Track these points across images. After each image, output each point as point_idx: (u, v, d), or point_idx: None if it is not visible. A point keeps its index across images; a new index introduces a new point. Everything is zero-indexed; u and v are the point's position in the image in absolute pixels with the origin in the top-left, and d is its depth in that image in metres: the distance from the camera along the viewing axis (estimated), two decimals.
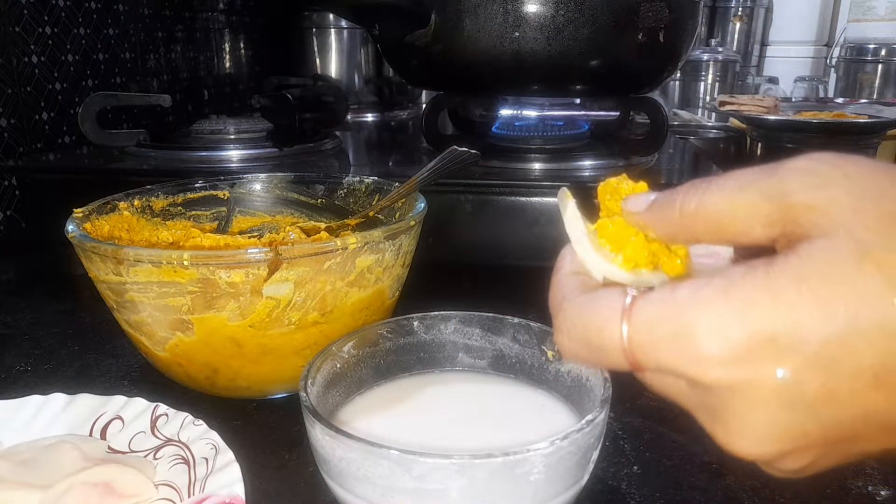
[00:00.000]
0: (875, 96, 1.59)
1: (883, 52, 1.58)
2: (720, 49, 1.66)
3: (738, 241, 0.21)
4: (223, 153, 0.83)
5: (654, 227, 0.23)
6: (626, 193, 0.24)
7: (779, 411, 0.18)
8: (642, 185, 0.25)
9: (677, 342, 0.19)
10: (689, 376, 0.19)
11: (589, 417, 0.29)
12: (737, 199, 0.20)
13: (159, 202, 0.53)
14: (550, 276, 0.25)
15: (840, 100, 1.37)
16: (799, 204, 0.19)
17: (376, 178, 0.56)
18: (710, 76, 1.62)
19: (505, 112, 0.82)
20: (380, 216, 0.53)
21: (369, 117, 1.31)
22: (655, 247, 0.23)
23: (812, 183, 0.19)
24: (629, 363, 0.21)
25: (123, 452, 0.36)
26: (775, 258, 0.19)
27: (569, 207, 0.25)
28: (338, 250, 0.39)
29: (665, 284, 0.20)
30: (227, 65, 1.31)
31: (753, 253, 0.21)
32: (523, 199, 0.67)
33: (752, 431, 0.19)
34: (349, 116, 1.16)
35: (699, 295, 0.19)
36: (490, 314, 0.40)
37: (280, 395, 0.44)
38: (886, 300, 0.17)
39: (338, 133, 0.97)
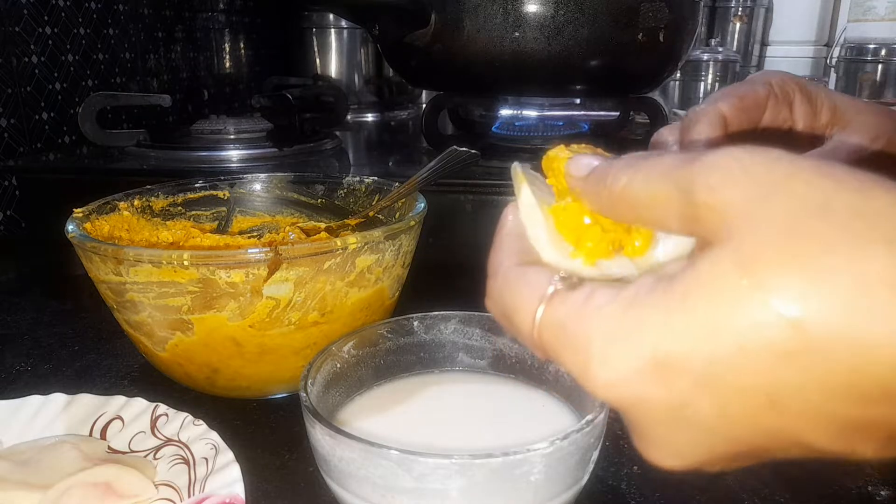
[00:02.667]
0: (875, 96, 1.59)
1: (883, 52, 1.58)
2: (720, 49, 1.66)
3: (661, 229, 0.20)
4: (223, 153, 0.83)
5: (587, 200, 0.22)
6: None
7: (677, 430, 0.18)
8: (584, 146, 0.23)
9: (575, 354, 0.19)
10: (584, 386, 0.19)
11: (589, 417, 0.29)
12: (655, 187, 0.19)
13: (159, 202, 0.53)
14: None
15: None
16: (701, 204, 0.18)
17: (376, 178, 0.56)
18: (710, 76, 1.62)
19: (505, 112, 0.82)
20: (380, 216, 0.53)
21: (369, 117, 1.31)
22: (612, 227, 0.22)
23: (714, 181, 0.17)
24: (537, 350, 0.21)
25: (123, 452, 0.36)
26: (679, 271, 0.18)
27: (523, 192, 0.23)
28: (338, 250, 0.39)
29: (586, 286, 0.20)
30: (227, 65, 1.31)
31: None
32: None
33: (661, 446, 0.19)
34: (349, 116, 1.16)
35: (604, 310, 0.19)
36: (490, 314, 0.39)
37: (280, 395, 0.44)
38: (769, 320, 0.16)
39: (338, 133, 0.97)
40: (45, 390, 0.40)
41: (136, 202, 0.51)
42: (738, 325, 0.16)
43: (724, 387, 0.17)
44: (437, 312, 0.40)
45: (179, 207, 0.54)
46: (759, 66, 1.96)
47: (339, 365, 0.36)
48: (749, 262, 0.16)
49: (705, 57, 1.63)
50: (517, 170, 0.24)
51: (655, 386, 0.18)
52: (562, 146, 0.24)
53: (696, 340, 0.17)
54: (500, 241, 0.24)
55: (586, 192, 0.22)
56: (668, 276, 0.18)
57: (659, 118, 0.76)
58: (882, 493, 0.35)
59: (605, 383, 0.18)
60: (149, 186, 0.53)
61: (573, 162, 0.22)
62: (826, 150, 0.34)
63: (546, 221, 0.23)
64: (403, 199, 0.51)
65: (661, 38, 0.71)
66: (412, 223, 0.44)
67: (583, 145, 0.24)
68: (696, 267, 0.17)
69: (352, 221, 0.53)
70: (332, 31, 1.33)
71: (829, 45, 1.92)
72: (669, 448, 0.19)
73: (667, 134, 0.34)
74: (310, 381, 0.33)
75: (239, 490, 0.32)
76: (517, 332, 0.22)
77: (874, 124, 0.34)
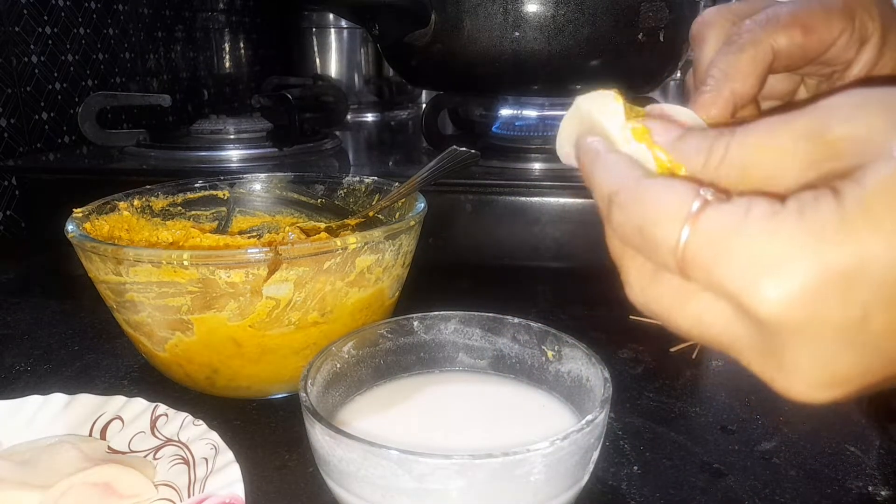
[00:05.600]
0: None
1: None
2: None
3: (764, 188, 0.20)
4: (223, 153, 0.83)
5: (682, 164, 0.21)
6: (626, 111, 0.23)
7: (841, 351, 0.17)
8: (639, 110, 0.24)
9: (738, 269, 0.18)
10: (744, 304, 0.18)
11: (589, 418, 0.29)
12: (776, 142, 0.19)
13: (159, 202, 0.53)
14: (585, 158, 0.23)
15: None
16: (839, 139, 0.18)
17: (376, 178, 0.56)
18: None
19: (505, 112, 0.82)
20: (380, 216, 0.53)
21: (369, 117, 1.31)
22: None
23: (847, 115, 0.18)
24: (677, 268, 0.19)
25: (123, 452, 0.36)
26: (839, 185, 0.17)
27: (616, 110, 0.23)
28: (338, 250, 0.39)
29: (741, 198, 0.19)
30: (227, 65, 1.31)
31: None
32: (523, 199, 0.67)
33: (810, 373, 0.18)
34: (349, 116, 1.16)
35: (775, 219, 0.17)
36: (490, 314, 0.40)
37: (280, 395, 0.44)
38: None
39: (338, 133, 0.97)
40: (44, 390, 0.40)
41: (135, 202, 0.51)
42: None
43: None
44: (437, 312, 0.40)
45: (179, 207, 0.54)
46: None
47: (338, 365, 0.36)
48: None
49: None
50: (604, 95, 0.24)
51: (833, 300, 0.17)
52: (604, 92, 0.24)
53: (880, 249, 0.16)
54: (609, 161, 0.22)
55: (678, 157, 0.21)
56: (832, 190, 0.17)
57: None
58: (882, 493, 0.35)
59: (778, 299, 0.17)
60: (148, 186, 0.53)
61: (658, 130, 0.22)
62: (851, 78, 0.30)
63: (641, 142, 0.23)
64: (403, 199, 0.51)
65: (662, 38, 0.71)
66: (412, 223, 0.44)
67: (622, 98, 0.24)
68: (866, 180, 0.17)
69: (352, 221, 0.53)
70: (332, 30, 1.33)
71: None
72: (825, 374, 0.18)
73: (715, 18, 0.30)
74: (310, 382, 0.33)
75: (239, 490, 0.32)
76: (652, 245, 0.19)
77: None
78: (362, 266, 0.41)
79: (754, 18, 0.28)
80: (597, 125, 0.24)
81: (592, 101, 0.24)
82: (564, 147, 0.26)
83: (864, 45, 0.28)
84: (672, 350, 0.50)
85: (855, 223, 0.16)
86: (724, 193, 0.19)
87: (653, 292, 0.21)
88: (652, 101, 0.80)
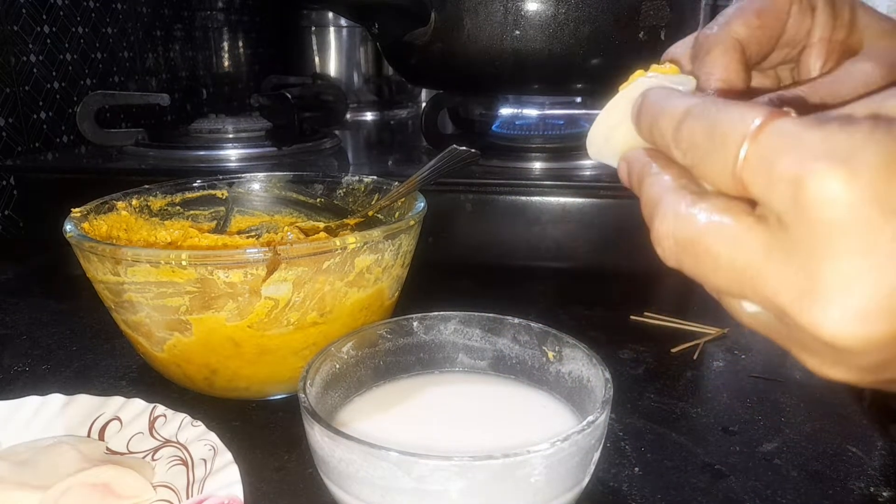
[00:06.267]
0: None
1: None
2: None
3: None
4: (222, 152, 0.82)
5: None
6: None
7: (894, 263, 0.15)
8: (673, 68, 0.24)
9: (806, 154, 0.16)
10: (801, 196, 0.16)
11: (590, 419, 0.29)
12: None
13: (157, 202, 0.53)
14: (650, 104, 0.22)
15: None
16: None
17: (376, 177, 0.55)
18: None
19: (505, 111, 0.82)
20: (379, 216, 0.53)
21: (369, 116, 1.30)
22: None
23: None
24: (733, 168, 0.18)
25: (122, 453, 0.36)
26: None
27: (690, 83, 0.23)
28: (337, 250, 0.39)
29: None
30: (226, 64, 1.31)
31: None
32: (523, 198, 0.67)
33: (854, 290, 0.16)
34: (348, 116, 1.16)
35: (849, 121, 0.16)
36: (490, 314, 0.39)
37: (279, 396, 0.44)
38: None
39: (337, 132, 0.96)
40: (43, 391, 0.40)
41: (134, 202, 0.51)
42: None
43: None
44: (437, 312, 0.40)
45: (178, 207, 0.54)
46: None
47: (338, 366, 0.36)
48: None
49: None
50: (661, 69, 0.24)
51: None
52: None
53: None
54: (677, 96, 0.22)
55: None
56: None
57: None
58: (884, 493, 0.35)
59: (841, 186, 0.16)
60: (147, 186, 0.53)
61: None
62: (828, 81, 0.29)
63: None
64: (403, 199, 0.51)
65: (663, 37, 0.71)
66: (412, 223, 0.43)
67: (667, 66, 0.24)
68: None
69: (351, 221, 0.53)
70: (332, 29, 1.33)
71: None
72: (870, 292, 0.16)
73: (680, 50, 0.31)
74: (309, 382, 0.33)
75: (237, 491, 0.32)
76: (724, 143, 0.18)
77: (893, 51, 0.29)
78: (362, 266, 0.41)
79: (710, 24, 0.28)
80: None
81: (664, 80, 0.24)
82: (599, 140, 0.26)
83: (815, 8, 0.29)
84: (673, 350, 0.50)
85: None
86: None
87: (689, 217, 0.20)
88: None
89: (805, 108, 0.20)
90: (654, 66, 0.24)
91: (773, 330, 0.19)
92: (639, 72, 0.25)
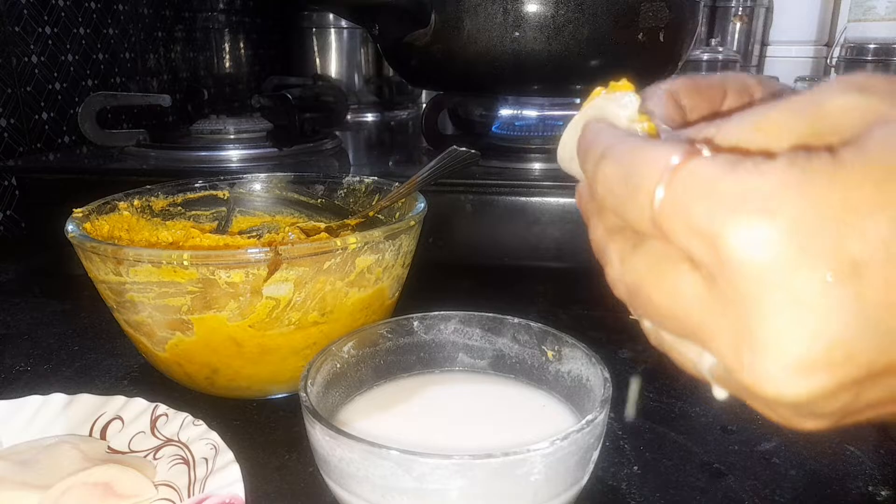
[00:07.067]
0: None
1: (883, 53, 1.58)
2: (720, 49, 1.66)
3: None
4: (223, 153, 0.83)
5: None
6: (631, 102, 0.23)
7: (826, 315, 0.15)
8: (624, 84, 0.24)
9: (720, 202, 0.16)
10: (720, 246, 0.16)
11: (589, 417, 0.29)
12: (762, 119, 0.18)
13: (159, 202, 0.53)
14: (585, 134, 0.22)
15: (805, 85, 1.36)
16: (833, 112, 0.17)
17: (376, 178, 0.56)
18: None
19: (505, 112, 0.82)
20: (380, 216, 0.53)
21: (369, 117, 1.31)
22: None
23: (840, 90, 0.17)
24: (654, 217, 0.17)
25: (123, 452, 0.36)
26: (835, 146, 0.16)
27: (629, 102, 0.23)
28: (338, 250, 0.39)
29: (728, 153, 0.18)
30: (227, 65, 1.31)
31: None
32: (523, 199, 0.67)
33: (787, 345, 0.15)
34: (349, 116, 1.16)
35: (763, 165, 0.16)
36: (490, 314, 0.40)
37: (280, 395, 0.44)
38: None
39: (338, 133, 0.97)
40: (44, 390, 0.40)
41: (135, 202, 0.51)
42: None
43: None
44: (437, 312, 0.40)
45: (179, 207, 0.54)
46: (759, 65, 1.97)
47: (339, 365, 0.36)
48: None
49: (705, 57, 1.63)
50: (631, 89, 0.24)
51: (821, 244, 0.15)
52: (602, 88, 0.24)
53: (878, 200, 0.15)
54: (605, 129, 0.21)
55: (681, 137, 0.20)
56: (826, 149, 0.16)
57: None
58: (882, 493, 0.35)
59: (759, 237, 0.15)
60: (148, 186, 0.53)
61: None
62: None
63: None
64: (403, 199, 0.51)
65: (662, 38, 0.71)
66: (412, 223, 0.44)
67: (623, 82, 0.24)
68: (864, 139, 0.16)
69: (352, 221, 0.53)
70: (332, 30, 1.33)
71: (829, 45, 1.92)
72: (804, 347, 0.15)
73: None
74: (310, 382, 0.33)
75: (239, 490, 0.32)
76: (636, 193, 0.18)
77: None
78: (362, 266, 0.41)
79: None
80: (607, 118, 0.24)
81: (610, 98, 0.24)
82: (566, 152, 0.26)
83: (753, 96, 0.28)
84: None
85: (853, 173, 0.15)
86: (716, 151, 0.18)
87: (630, 264, 0.20)
88: None
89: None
90: (612, 84, 0.24)
91: (731, 387, 0.18)
92: (597, 90, 0.24)
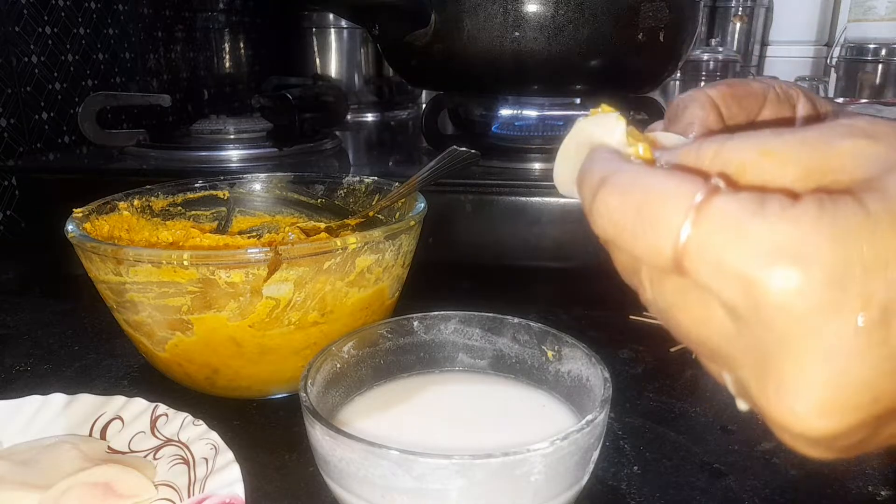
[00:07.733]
0: (875, 96, 1.58)
1: (883, 52, 1.58)
2: (720, 49, 1.66)
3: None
4: (223, 153, 0.83)
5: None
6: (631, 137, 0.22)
7: (856, 362, 0.15)
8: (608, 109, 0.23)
9: (755, 248, 0.16)
10: (755, 291, 0.16)
11: (589, 417, 0.29)
12: (768, 145, 0.18)
13: (159, 202, 0.53)
14: (586, 163, 0.21)
15: (840, 100, 1.37)
16: (843, 152, 0.17)
17: (376, 178, 0.56)
18: (710, 76, 1.62)
19: (505, 112, 0.82)
20: (380, 216, 0.53)
21: (369, 117, 1.31)
22: None
23: (849, 132, 0.17)
24: (673, 253, 0.17)
25: (123, 452, 0.36)
26: (856, 190, 0.16)
27: (616, 128, 0.22)
28: (338, 250, 0.39)
29: (752, 190, 0.17)
30: (227, 65, 1.31)
31: None
32: (523, 199, 0.67)
33: (815, 388, 0.16)
34: (349, 116, 1.16)
35: (795, 208, 0.16)
36: (490, 314, 0.40)
37: (280, 395, 0.44)
38: None
39: (338, 133, 0.97)
40: (44, 390, 0.40)
41: (135, 202, 0.51)
42: None
43: None
44: (437, 312, 0.40)
45: (179, 207, 0.54)
46: (759, 66, 1.97)
47: (339, 365, 0.36)
48: None
49: (705, 57, 1.63)
50: (615, 113, 0.23)
51: (855, 295, 0.15)
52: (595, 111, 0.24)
53: None
54: (603, 153, 0.20)
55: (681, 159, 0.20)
56: (850, 194, 0.16)
57: (659, 118, 0.76)
58: (882, 493, 0.35)
59: (795, 286, 0.15)
60: (148, 186, 0.53)
61: (665, 157, 0.21)
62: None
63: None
64: (403, 199, 0.51)
65: (662, 38, 0.71)
66: (412, 223, 0.44)
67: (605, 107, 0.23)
68: (889, 186, 0.16)
69: (352, 221, 0.53)
70: (332, 30, 1.33)
71: (829, 45, 1.92)
72: (831, 390, 0.16)
73: (658, 125, 0.30)
74: (310, 382, 0.33)
75: (239, 490, 0.32)
76: (653, 230, 0.17)
77: None
78: (362, 266, 0.41)
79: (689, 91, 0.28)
80: (597, 145, 0.24)
81: (594, 122, 0.24)
82: (562, 175, 0.25)
83: (795, 105, 0.28)
84: (672, 350, 0.50)
85: (880, 222, 0.15)
86: (734, 186, 0.18)
87: (659, 290, 0.20)
88: (653, 101, 0.80)
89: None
90: (592, 111, 0.24)
91: (751, 406, 0.19)
92: (579, 119, 0.24)
